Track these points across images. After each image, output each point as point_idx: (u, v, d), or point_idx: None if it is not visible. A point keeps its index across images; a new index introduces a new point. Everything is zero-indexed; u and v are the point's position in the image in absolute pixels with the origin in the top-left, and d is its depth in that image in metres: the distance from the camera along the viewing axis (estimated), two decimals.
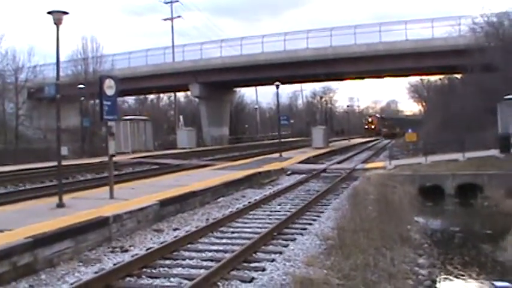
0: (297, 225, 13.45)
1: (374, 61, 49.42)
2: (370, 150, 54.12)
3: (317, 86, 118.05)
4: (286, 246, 11.16)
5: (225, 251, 10.68)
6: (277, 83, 39.98)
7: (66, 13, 13.86)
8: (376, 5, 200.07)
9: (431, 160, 27.11)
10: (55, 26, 13.91)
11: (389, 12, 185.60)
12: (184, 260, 10.19)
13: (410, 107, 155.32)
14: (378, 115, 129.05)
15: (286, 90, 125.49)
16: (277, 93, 42.95)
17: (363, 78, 65.69)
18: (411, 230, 14.74)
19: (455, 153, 28.14)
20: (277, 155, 36.52)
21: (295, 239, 11.83)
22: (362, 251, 10.04)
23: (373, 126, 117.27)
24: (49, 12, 13.73)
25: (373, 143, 72.60)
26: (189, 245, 11.27)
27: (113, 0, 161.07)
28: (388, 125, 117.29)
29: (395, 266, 9.94)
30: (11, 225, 10.98)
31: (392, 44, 48.39)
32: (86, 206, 13.86)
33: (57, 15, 13.76)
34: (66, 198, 14.52)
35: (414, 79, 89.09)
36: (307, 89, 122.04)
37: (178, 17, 71.57)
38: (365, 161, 35.05)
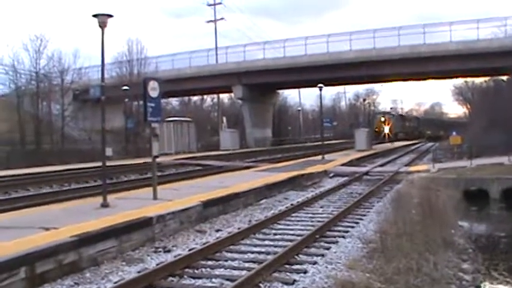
0: (339, 228, 13.38)
1: (417, 63, 48.98)
2: (413, 153, 53.53)
3: (360, 88, 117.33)
4: (328, 248, 11.11)
5: (267, 253, 10.67)
6: (320, 85, 39.84)
7: (110, 16, 14.04)
8: (418, 6, 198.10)
9: (476, 163, 26.73)
10: (100, 29, 14.10)
11: (432, 13, 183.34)
12: (226, 261, 10.22)
13: (455, 110, 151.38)
14: (394, 113, 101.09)
15: (330, 92, 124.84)
16: (320, 95, 42.73)
17: (406, 80, 65.21)
18: (455, 234, 14.54)
19: (501, 157, 27.71)
20: (319, 157, 36.38)
21: (337, 241, 11.78)
22: (405, 255, 9.94)
23: (385, 129, 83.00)
24: (94, 16, 13.92)
25: (416, 146, 71.72)
26: (231, 246, 11.30)
27: (155, 2, 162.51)
28: (411, 126, 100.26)
29: (439, 270, 9.82)
30: (56, 224, 11.16)
31: (437, 46, 47.86)
32: (130, 206, 14.01)
33: (102, 18, 13.94)
34: (110, 198, 14.69)
35: (459, 81, 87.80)
36: (350, 91, 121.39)
37: (222, 19, 71.84)
38: (408, 164, 34.70)
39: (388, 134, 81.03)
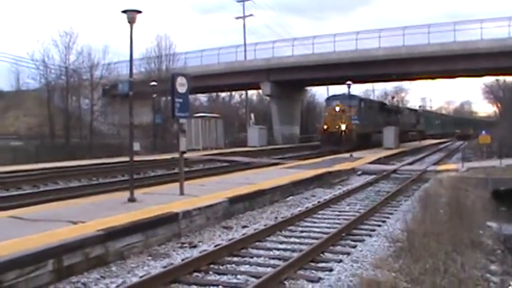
0: (365, 226, 13.31)
1: (447, 61, 48.54)
2: (442, 152, 53.07)
3: (389, 86, 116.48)
4: (354, 247, 11.06)
5: (293, 250, 10.66)
6: (348, 82, 39.73)
7: (139, 12, 14.10)
8: (448, 3, 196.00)
9: (506, 163, 26.38)
10: (129, 25, 14.18)
11: (461, 10, 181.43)
12: (251, 257, 10.22)
13: (485, 108, 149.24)
14: (361, 97, 60.59)
15: (358, 90, 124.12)
16: (349, 93, 42.59)
17: (435, 78, 64.59)
18: (483, 235, 14.35)
19: None
20: (347, 154, 36.24)
21: (363, 240, 11.72)
22: (432, 254, 9.83)
23: (342, 126, 43.51)
24: (123, 11, 14.00)
25: (445, 144, 71.04)
26: (257, 243, 11.30)
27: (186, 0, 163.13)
28: (402, 122, 64.50)
29: (466, 271, 9.70)
30: (84, 218, 11.26)
31: (467, 44, 47.32)
32: (157, 201, 14.07)
33: (131, 14, 14.01)
34: (137, 193, 14.76)
35: (489, 79, 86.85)
36: (379, 88, 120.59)
37: (251, 15, 71.88)
38: (437, 163, 34.39)
39: (344, 132, 43.03)
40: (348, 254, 10.48)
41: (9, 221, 11.50)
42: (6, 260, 7.91)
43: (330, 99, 52.38)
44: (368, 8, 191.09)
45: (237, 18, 72.19)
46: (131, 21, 14.09)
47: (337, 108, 47.32)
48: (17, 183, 23.43)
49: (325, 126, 48.50)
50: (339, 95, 51.19)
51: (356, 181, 24.17)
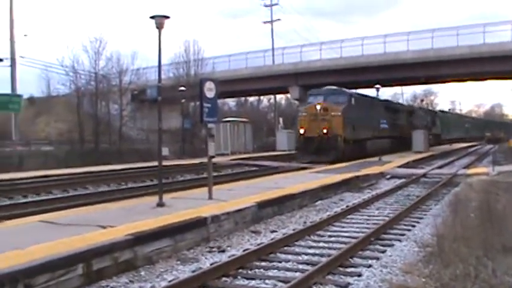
0: (395, 231, 13.19)
1: (477, 63, 47.98)
2: (472, 155, 52.48)
3: (418, 89, 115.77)
4: (383, 252, 10.97)
5: (322, 255, 10.61)
6: (377, 85, 39.59)
7: (167, 17, 14.19)
8: (477, 4, 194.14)
9: None
10: (157, 30, 14.26)
11: (492, 12, 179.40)
12: (280, 262, 10.18)
13: None
14: (350, 92, 41.20)
15: (387, 93, 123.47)
16: (377, 96, 42.43)
17: (464, 81, 64.03)
18: None
19: None
20: (376, 158, 36.04)
21: (393, 244, 11.61)
22: (462, 260, 9.72)
23: (318, 130, 36.41)
24: (151, 17, 14.09)
25: (475, 148, 70.30)
26: (285, 248, 11.26)
27: (211, 4, 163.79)
28: (413, 124, 54.13)
29: (498, 277, 9.58)
30: (113, 223, 11.32)
31: (497, 46, 46.74)
32: (185, 205, 14.10)
33: (159, 20, 14.10)
34: (166, 197, 14.81)
35: None
36: (408, 91, 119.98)
37: (278, 20, 72.02)
38: (467, 167, 34.03)
39: (327, 138, 36.06)
40: (377, 258, 10.40)
41: (39, 225, 11.62)
42: (38, 263, 7.98)
43: (311, 94, 40.60)
44: (395, 11, 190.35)
45: (265, 22, 72.53)
46: (159, 26, 14.17)
47: (318, 107, 36.63)
48: (47, 187, 23.70)
49: (302, 130, 37.25)
50: (322, 90, 40.21)
51: (385, 185, 24.01)
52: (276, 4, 71.18)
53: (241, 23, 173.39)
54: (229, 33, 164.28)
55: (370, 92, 50.96)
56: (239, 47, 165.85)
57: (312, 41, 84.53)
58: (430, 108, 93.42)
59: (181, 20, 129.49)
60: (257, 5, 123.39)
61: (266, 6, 71.51)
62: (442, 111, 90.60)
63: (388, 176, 26.88)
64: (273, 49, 64.39)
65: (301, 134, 37.40)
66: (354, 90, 44.07)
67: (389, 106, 50.85)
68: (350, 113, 37.66)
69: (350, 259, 10.30)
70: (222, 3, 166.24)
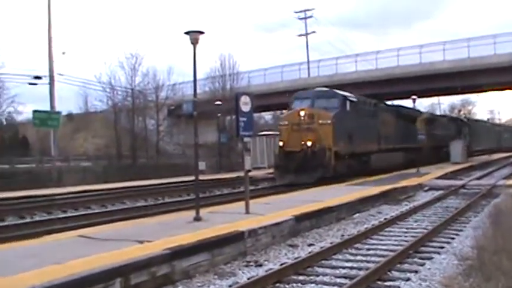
0: (434, 244, 12.99)
1: None
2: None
3: (455, 99, 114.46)
4: (422, 265, 10.80)
5: (359, 268, 10.49)
6: (413, 96, 39.23)
7: (202, 33, 14.24)
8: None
9: None
10: (192, 46, 14.33)
11: None
12: (317, 276, 10.10)
13: None
14: (344, 94, 32.19)
15: (423, 104, 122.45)
16: (414, 107, 42.07)
17: (503, 90, 63.14)
18: None
19: None
20: (414, 170, 35.69)
21: (432, 257, 11.43)
22: (504, 273, 9.52)
23: (302, 143, 28.88)
24: (186, 33, 14.16)
25: None
26: (323, 261, 11.16)
27: (245, 18, 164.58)
28: (432, 134, 46.03)
29: None
30: (150, 237, 11.35)
31: None
32: (222, 220, 14.10)
33: (194, 35, 14.16)
34: (203, 212, 14.82)
35: None
36: (445, 102, 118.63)
37: (313, 32, 72.08)
38: (507, 177, 33.49)
39: (312, 152, 28.71)
40: (416, 272, 10.24)
41: (78, 240, 11.72)
42: (77, 278, 8.03)
43: (296, 98, 32.51)
44: (431, 21, 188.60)
45: (300, 35, 72.70)
46: (194, 42, 14.24)
47: (302, 113, 29.46)
48: (85, 203, 23.96)
49: (281, 143, 30.06)
50: (310, 92, 33.30)
51: (423, 197, 23.73)
52: (311, 17, 71.37)
53: (276, 36, 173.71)
54: (264, 47, 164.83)
55: (406, 103, 50.45)
56: (274, 61, 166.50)
57: (346, 52, 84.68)
58: (457, 116, 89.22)
59: (217, 35, 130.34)
60: (291, 18, 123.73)
61: (301, 19, 71.76)
62: (470, 119, 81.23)
63: (426, 188, 26.58)
64: (308, 62, 64.46)
65: (280, 147, 29.96)
66: (359, 98, 33.89)
67: (401, 113, 42.96)
68: (344, 120, 30.31)
69: (388, 272, 10.17)
70: (256, 17, 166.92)
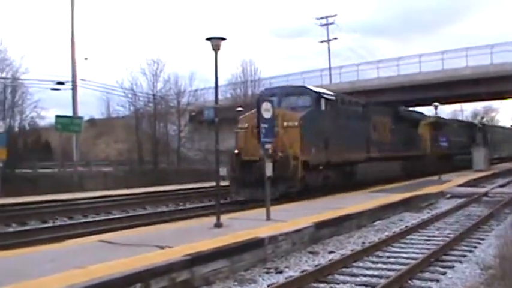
0: (455, 252, 12.88)
1: None
2: None
3: (478, 105, 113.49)
4: (443, 274, 10.70)
5: (380, 276, 10.43)
6: (435, 103, 38.95)
7: (223, 39, 14.29)
8: None
9: None
10: (213, 52, 14.38)
11: None
12: (338, 283, 10.05)
13: None
14: (320, 92, 26.00)
15: (446, 110, 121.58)
16: (436, 114, 41.78)
17: None
18: None
19: None
20: (436, 177, 35.44)
21: (453, 266, 11.33)
22: None
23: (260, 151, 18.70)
24: (208, 39, 14.21)
25: None
26: (343, 269, 11.12)
27: (267, 24, 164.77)
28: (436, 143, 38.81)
29: None
30: (171, 243, 11.38)
31: None
32: (243, 226, 14.10)
33: (215, 42, 14.22)
34: (223, 218, 14.82)
35: None
36: (468, 108, 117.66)
37: (335, 39, 72.04)
38: None
39: (273, 161, 18.13)
40: (437, 280, 10.16)
41: (99, 245, 11.78)
42: (97, 283, 8.06)
43: (262, 97, 22.61)
44: (453, 27, 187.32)
45: (321, 42, 72.68)
46: (216, 48, 14.29)
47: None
48: (107, 208, 24.10)
49: (237, 150, 24.78)
50: (276, 88, 28.73)
51: (445, 204, 23.55)
52: (332, 23, 71.34)
53: (295, 43, 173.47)
54: (284, 53, 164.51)
55: (428, 110, 50.02)
56: (294, 67, 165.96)
57: (367, 58, 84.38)
58: (474, 121, 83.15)
59: (237, 41, 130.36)
60: (311, 24, 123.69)
61: (322, 25, 71.73)
62: (486, 125, 74.20)
63: (448, 195, 26.38)
64: (329, 68, 64.37)
65: (236, 156, 24.42)
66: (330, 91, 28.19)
67: (400, 116, 36.95)
68: (318, 122, 24.71)
69: (409, 281, 10.10)
70: (275, 24, 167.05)
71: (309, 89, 26.57)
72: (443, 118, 53.19)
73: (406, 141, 36.04)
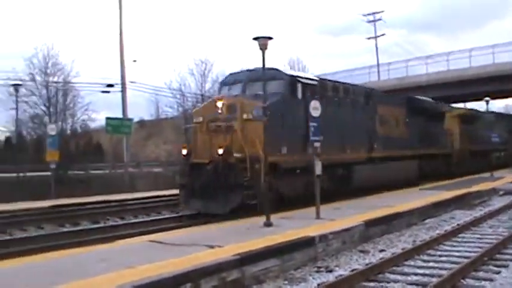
0: (510, 251, 12.60)
1: None
2: None
3: None
4: (497, 273, 10.47)
5: (432, 275, 10.28)
6: (486, 98, 38.23)
7: (270, 38, 14.30)
8: None
9: None
10: (261, 51, 14.39)
11: None
12: (388, 282, 9.94)
13: None
14: (297, 75, 20.89)
15: (497, 105, 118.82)
16: (487, 109, 41.02)
17: None
18: None
19: None
20: (487, 174, 34.84)
21: (507, 265, 11.09)
22: None
23: (216, 152, 17.72)
24: (255, 38, 14.24)
25: None
26: (394, 268, 11.00)
27: (313, 22, 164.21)
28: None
29: None
30: (220, 242, 11.44)
31: None
32: (292, 225, 14.09)
33: (263, 41, 14.23)
34: (273, 217, 14.79)
35: None
36: None
37: (383, 35, 71.47)
38: None
39: (223, 160, 17.72)
40: (491, 280, 9.95)
41: (149, 245, 11.90)
42: (147, 282, 8.14)
43: (224, 83, 21.98)
44: (503, 21, 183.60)
45: (369, 38, 72.15)
46: (263, 47, 14.30)
47: (220, 104, 18.38)
48: (157, 208, 24.30)
49: (184, 151, 19.75)
50: (242, 74, 21.62)
51: (498, 202, 23.13)
52: (380, 19, 70.75)
53: (341, 40, 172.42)
54: (330, 50, 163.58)
55: (478, 105, 49.03)
56: (341, 64, 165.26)
57: (416, 54, 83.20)
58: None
59: (283, 38, 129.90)
60: (356, 21, 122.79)
61: (369, 22, 71.22)
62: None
63: (501, 192, 25.92)
64: (378, 65, 63.79)
65: (184, 157, 19.66)
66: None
67: (418, 106, 30.97)
68: (292, 113, 19.52)
69: (462, 280, 9.92)
70: (321, 21, 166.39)
71: (280, 71, 20.54)
72: (476, 110, 48.00)
73: (425, 136, 30.53)
